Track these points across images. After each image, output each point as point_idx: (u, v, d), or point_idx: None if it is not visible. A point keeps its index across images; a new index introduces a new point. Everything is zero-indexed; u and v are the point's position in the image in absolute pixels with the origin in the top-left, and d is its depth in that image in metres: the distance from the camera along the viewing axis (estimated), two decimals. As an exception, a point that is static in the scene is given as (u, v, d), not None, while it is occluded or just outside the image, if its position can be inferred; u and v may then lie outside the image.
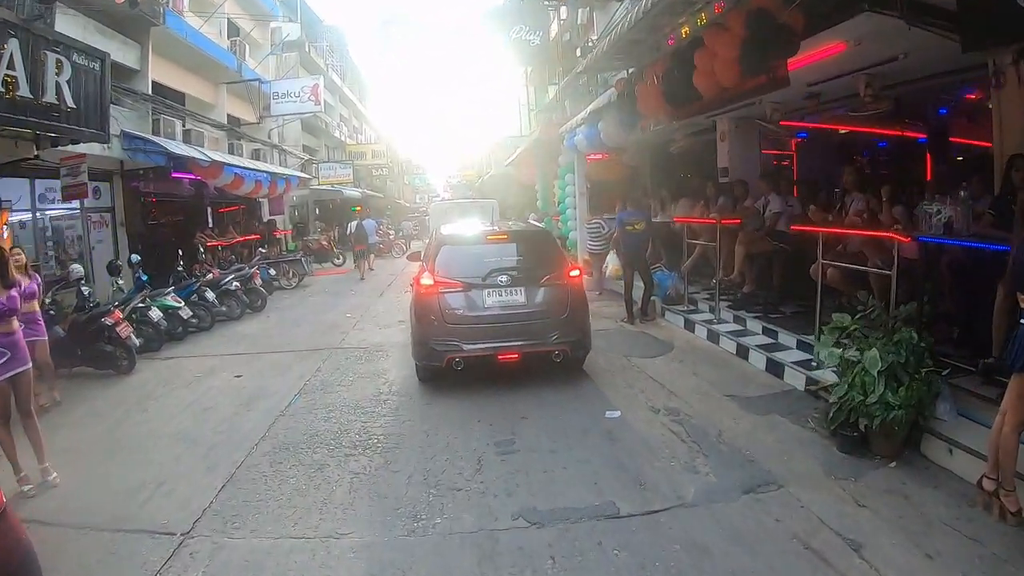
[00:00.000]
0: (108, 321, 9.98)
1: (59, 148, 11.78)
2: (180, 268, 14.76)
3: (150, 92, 17.22)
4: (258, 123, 24.58)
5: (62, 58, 10.35)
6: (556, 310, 8.32)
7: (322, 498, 5.66)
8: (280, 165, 27.39)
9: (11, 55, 9.19)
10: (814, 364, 8.09)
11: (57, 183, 12.59)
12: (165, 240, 18.46)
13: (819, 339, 7.41)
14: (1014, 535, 4.54)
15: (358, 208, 36.16)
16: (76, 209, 14.20)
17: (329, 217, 39.13)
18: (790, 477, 5.65)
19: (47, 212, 14.09)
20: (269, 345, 11.86)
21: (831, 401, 6.23)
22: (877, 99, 9.21)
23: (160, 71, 18.46)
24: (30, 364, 6.15)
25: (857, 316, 6.64)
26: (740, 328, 10.52)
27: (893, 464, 5.78)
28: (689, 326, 11.43)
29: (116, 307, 10.53)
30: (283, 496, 5.72)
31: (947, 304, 7.43)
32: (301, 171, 29.99)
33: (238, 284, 14.94)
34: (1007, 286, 5.34)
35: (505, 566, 4.53)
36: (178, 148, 15.63)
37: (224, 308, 14.51)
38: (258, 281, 16.04)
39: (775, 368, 8.67)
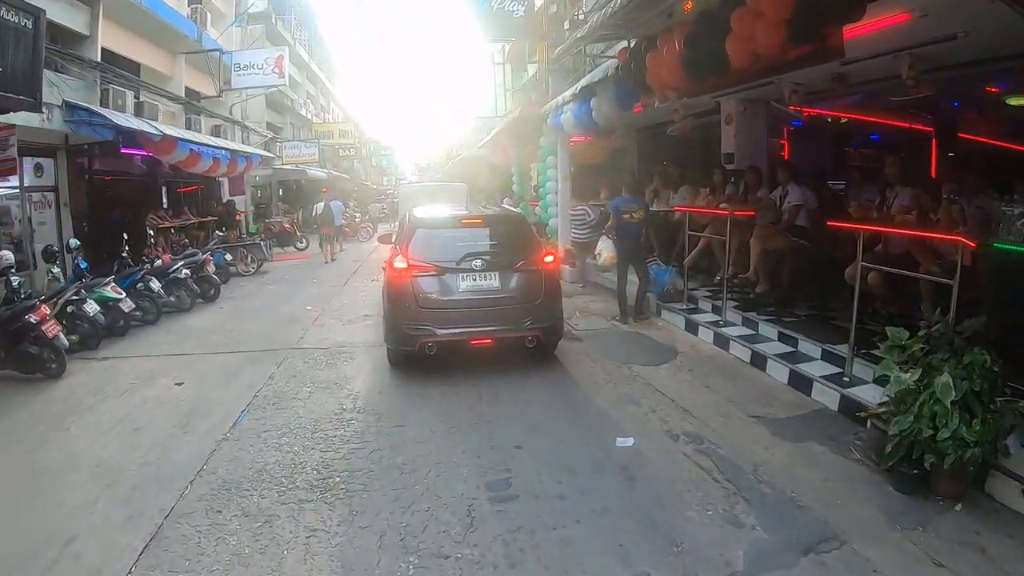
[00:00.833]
0: (33, 318, 8.64)
1: (-16, 118, 10.27)
2: (126, 254, 13.34)
3: (99, 60, 15.85)
4: (218, 97, 23.03)
5: (-19, 12, 8.90)
6: (530, 295, 8.30)
7: (269, 568, 4.39)
8: (242, 143, 25.79)
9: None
10: (846, 379, 7.24)
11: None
12: (115, 222, 16.86)
13: (853, 352, 7.02)
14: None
15: (324, 190, 34.92)
16: (16, 188, 12.76)
17: (293, 199, 37.64)
18: (851, 529, 4.70)
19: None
20: (219, 343, 10.50)
21: (890, 433, 5.20)
22: (919, 82, 8.18)
23: (112, 38, 17.07)
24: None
25: (920, 332, 5.62)
26: (751, 332, 9.48)
27: (959, 507, 4.94)
28: (691, 328, 10.35)
29: (43, 302, 9.17)
30: (220, 565, 4.44)
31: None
32: (264, 150, 28.30)
33: (188, 272, 13.56)
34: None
35: None
36: (127, 121, 14.19)
37: (173, 298, 13.22)
38: (211, 268, 14.63)
39: (800, 383, 7.69)
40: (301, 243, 26.53)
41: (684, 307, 11.03)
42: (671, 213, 12.61)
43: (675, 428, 6.63)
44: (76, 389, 8.33)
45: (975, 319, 5.46)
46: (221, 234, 19.72)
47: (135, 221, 17.17)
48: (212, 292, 14.42)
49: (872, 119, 13.34)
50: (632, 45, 9.29)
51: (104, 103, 15.35)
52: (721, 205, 10.47)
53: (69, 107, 13.41)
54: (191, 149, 17.17)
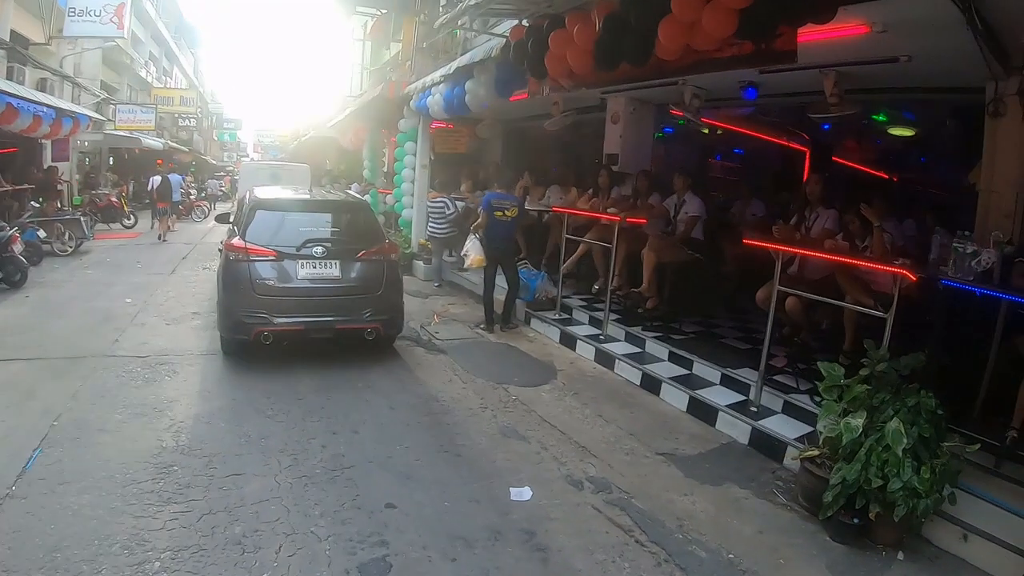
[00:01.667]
0: None
1: None
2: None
3: None
4: (47, 44, 20.27)
5: None
6: (371, 286, 8.15)
7: None
8: (71, 102, 23.08)
9: None
10: (754, 409, 6.77)
11: None
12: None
13: (763, 380, 6.68)
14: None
15: (159, 162, 32.73)
16: None
17: (124, 170, 34.33)
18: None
19: None
20: (15, 347, 8.49)
21: (832, 482, 4.74)
22: (841, 101, 7.74)
23: None
24: None
25: (862, 371, 5.16)
26: (637, 350, 8.76)
27: (901, 555, 4.69)
28: (568, 341, 9.52)
29: None
30: None
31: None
32: (96, 112, 25.79)
33: (-15, 254, 11.56)
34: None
35: None
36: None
37: (-33, 282, 11.30)
38: (17, 247, 12.45)
39: (702, 411, 7.09)
40: (129, 220, 24.08)
41: (557, 317, 10.21)
42: (544, 214, 11.72)
43: (576, 472, 5.69)
44: None
45: (912, 356, 5.06)
46: (37, 206, 17.51)
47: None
48: (17, 277, 12.28)
49: (755, 134, 13.03)
50: (530, 24, 8.23)
51: None
52: (610, 210, 9.57)
53: None
54: (8, 103, 15.08)
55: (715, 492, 5.45)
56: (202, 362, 8.08)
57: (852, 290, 6.52)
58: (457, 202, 13.24)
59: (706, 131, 12.81)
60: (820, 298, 6.55)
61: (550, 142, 15.12)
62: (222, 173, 51.22)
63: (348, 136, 22.19)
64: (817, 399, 5.73)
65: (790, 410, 6.63)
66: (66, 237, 16.72)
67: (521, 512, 4.96)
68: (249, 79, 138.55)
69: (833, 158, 13.35)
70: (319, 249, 7.91)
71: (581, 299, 10.66)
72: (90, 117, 22.16)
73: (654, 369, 7.97)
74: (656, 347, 8.53)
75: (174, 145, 38.43)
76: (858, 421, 4.79)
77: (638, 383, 7.97)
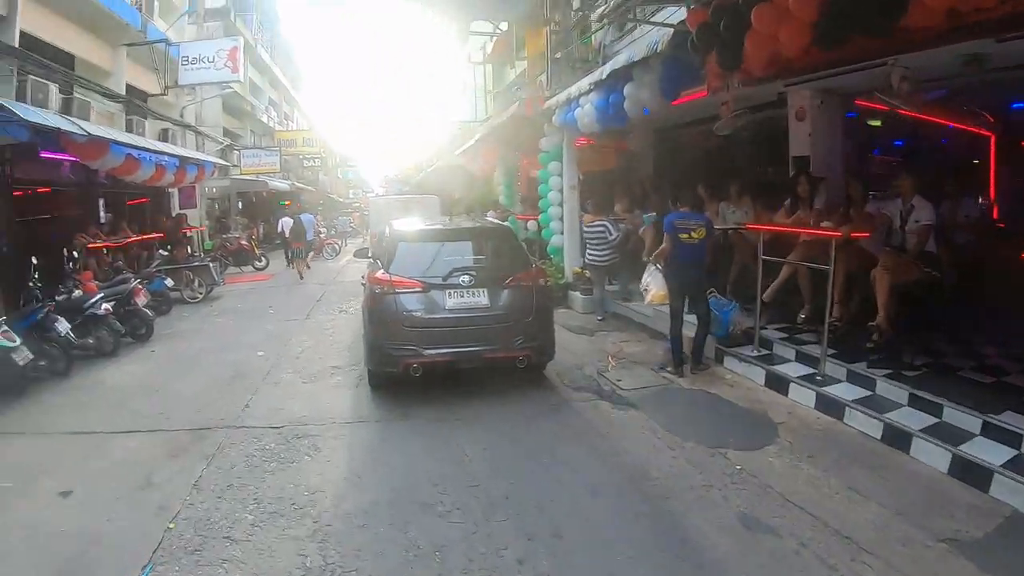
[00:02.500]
0: None
1: None
2: (33, 283, 10.68)
3: (16, 44, 13.20)
4: (163, 95, 20.03)
5: None
6: (521, 313, 7.81)
7: None
8: (195, 150, 23.09)
9: None
10: None
11: None
12: (43, 242, 14.18)
13: None
14: None
15: (287, 203, 32.62)
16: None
17: (253, 212, 34.67)
18: None
19: None
20: (135, 413, 7.67)
21: None
22: None
23: (37, 20, 14.56)
24: None
25: None
26: (866, 393, 6.99)
27: None
28: (776, 384, 7.77)
29: None
30: None
31: None
32: (220, 158, 25.62)
33: (108, 307, 10.78)
34: None
35: None
36: (39, 117, 11.45)
37: (91, 340, 10.55)
38: (141, 299, 11.86)
39: (971, 474, 5.43)
40: (260, 262, 23.89)
41: (756, 354, 8.48)
42: (727, 233, 10.08)
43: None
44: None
45: None
46: (165, 254, 17.02)
47: (63, 241, 14.52)
48: (143, 330, 11.70)
49: (945, 121, 11.06)
50: (715, 3, 6.71)
51: (21, 97, 12.76)
52: (824, 223, 7.90)
53: (-35, 100, 10.63)
54: (128, 154, 14.58)
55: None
56: (348, 434, 6.85)
57: None
58: (618, 225, 11.76)
59: (878, 123, 10.97)
60: None
61: (706, 150, 13.49)
62: (349, 210, 51.45)
63: (478, 162, 20.99)
64: None
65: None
66: (195, 284, 16.22)
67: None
68: (366, 115, 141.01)
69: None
70: (466, 278, 7.69)
71: (779, 330, 8.96)
72: (215, 163, 21.93)
73: (896, 419, 6.28)
74: (890, 388, 6.78)
75: (301, 185, 38.67)
76: None
77: (879, 437, 6.27)
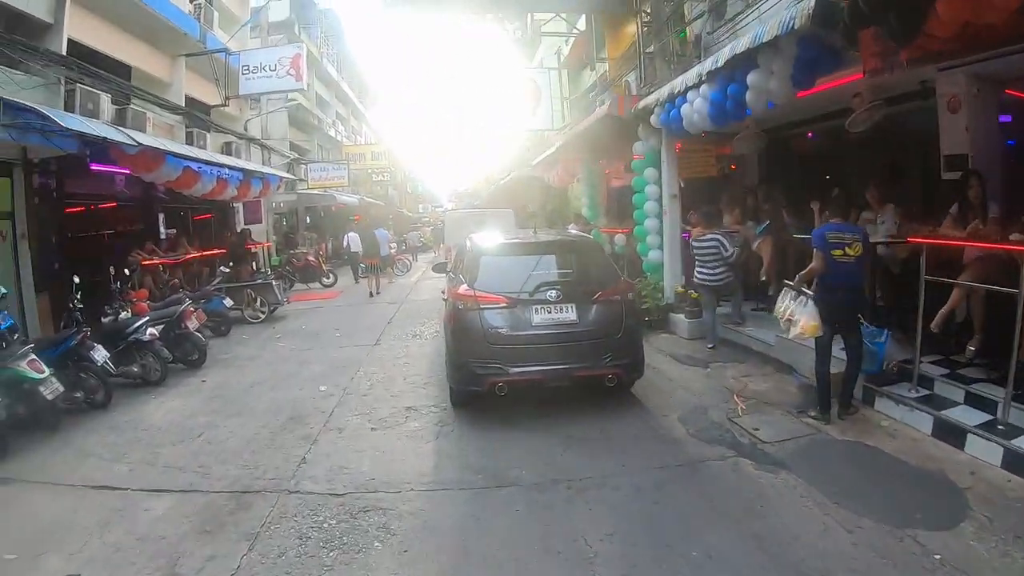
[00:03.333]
0: None
1: None
2: (73, 304, 9.69)
3: (64, 53, 12.47)
4: (224, 105, 19.18)
5: None
6: (610, 329, 7.44)
7: None
8: (261, 164, 22.44)
9: None
10: None
11: None
12: (98, 258, 13.41)
13: None
14: None
15: (356, 217, 31.80)
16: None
17: (322, 227, 33.98)
18: None
19: None
20: (170, 464, 6.47)
21: None
22: None
23: (91, 31, 13.97)
24: None
25: None
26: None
27: None
28: (948, 434, 6.11)
29: None
30: None
31: None
32: (287, 172, 24.83)
33: (154, 332, 9.69)
34: None
35: None
36: (83, 126, 10.47)
37: (135, 368, 9.53)
38: (192, 323, 10.68)
39: None
40: (328, 278, 22.88)
41: (914, 395, 6.84)
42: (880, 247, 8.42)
43: None
44: None
45: None
46: (227, 271, 16.00)
47: (117, 257, 13.64)
48: (195, 356, 10.60)
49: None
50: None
51: (70, 108, 12.01)
52: (1014, 236, 6.31)
53: (6, 107, 9.64)
54: (186, 166, 13.65)
55: None
56: (429, 507, 5.37)
57: None
58: (732, 239, 10.33)
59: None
60: None
61: (822, 152, 11.97)
62: (419, 224, 50.74)
63: (555, 173, 19.66)
64: None
65: None
66: (258, 304, 15.24)
67: None
68: (434, 129, 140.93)
69: None
70: (553, 293, 7.37)
71: (935, 364, 7.29)
72: (280, 177, 20.99)
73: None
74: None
75: (370, 200, 37.94)
76: None
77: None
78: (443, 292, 9.26)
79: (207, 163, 14.87)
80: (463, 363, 7.37)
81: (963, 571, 4.11)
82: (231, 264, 16.79)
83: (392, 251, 25.61)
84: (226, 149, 19.77)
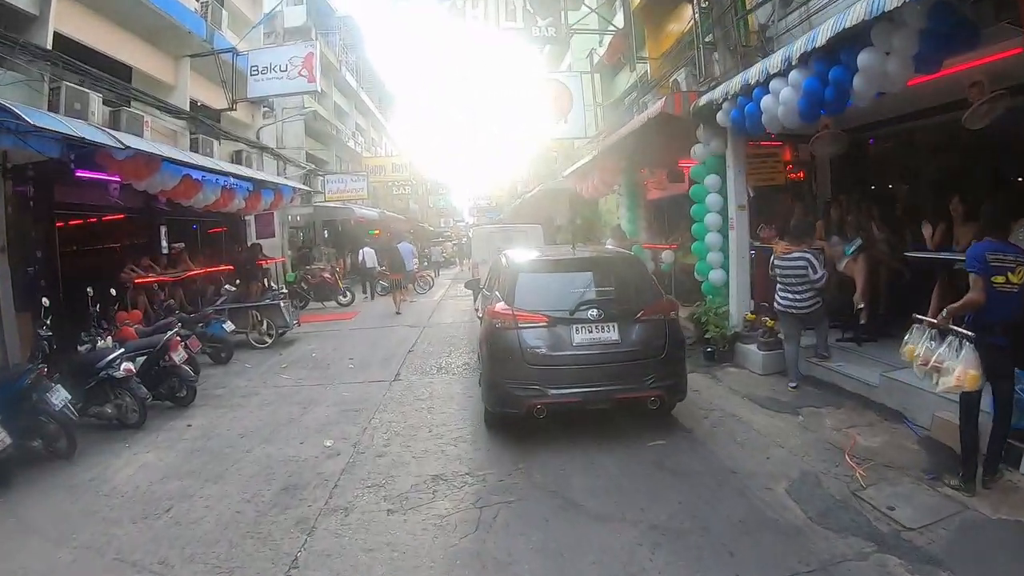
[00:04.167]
0: None
1: None
2: (43, 330, 8.34)
3: (49, 46, 11.18)
4: (231, 109, 17.66)
5: None
6: (653, 350, 7.05)
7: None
8: (277, 175, 21.20)
9: None
10: None
11: None
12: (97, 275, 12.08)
13: None
14: None
15: (376, 232, 30.49)
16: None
17: (341, 242, 32.60)
18: None
19: None
20: (119, 559, 4.85)
21: None
22: None
23: (83, 26, 12.80)
24: None
25: None
26: None
27: None
28: None
29: None
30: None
31: None
32: (303, 183, 23.45)
33: (130, 367, 8.12)
34: None
35: None
36: (64, 125, 9.03)
37: (109, 408, 8.07)
38: (178, 355, 9.05)
39: None
40: (344, 297, 21.31)
41: None
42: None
43: None
44: None
45: None
46: (233, 289, 14.51)
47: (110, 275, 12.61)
48: (183, 393, 9.03)
49: None
50: None
51: (54, 107, 10.73)
52: None
53: (-30, 104, 8.28)
54: (185, 174, 12.28)
55: None
56: None
57: None
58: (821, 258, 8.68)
59: None
60: None
61: (900, 158, 10.53)
62: (441, 239, 49.52)
63: (590, 183, 17.98)
64: None
65: None
66: (264, 327, 13.60)
67: None
68: (455, 141, 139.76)
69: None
70: (594, 311, 7.06)
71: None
72: (294, 188, 19.51)
73: None
74: None
75: (391, 214, 36.68)
76: None
77: None
78: (476, 309, 9.08)
79: (211, 171, 13.46)
80: (500, 384, 7.07)
81: None
82: (238, 281, 15.35)
83: (415, 267, 24.24)
84: (236, 158, 18.49)
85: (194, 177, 12.71)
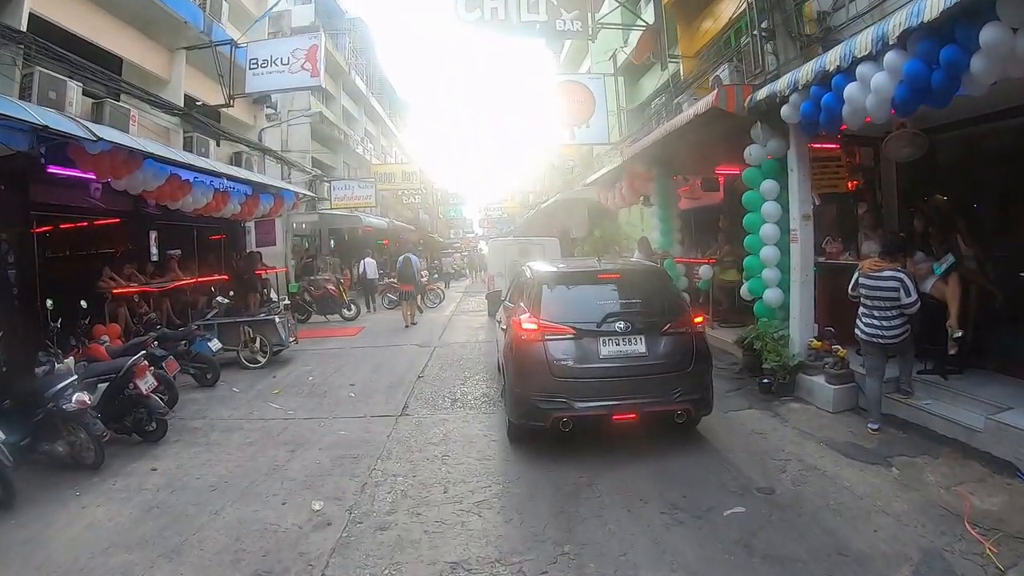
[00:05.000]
0: None
1: None
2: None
3: (23, 28, 10.05)
4: (228, 105, 16.10)
5: None
6: (680, 363, 6.95)
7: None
8: (282, 179, 20.12)
9: None
10: None
11: None
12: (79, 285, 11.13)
13: None
14: None
15: (385, 242, 29.33)
16: None
17: (347, 252, 31.35)
18: None
19: None
20: None
21: None
22: None
23: (62, 7, 11.71)
24: None
25: None
26: None
27: None
28: None
29: None
30: None
31: None
32: (308, 189, 22.41)
33: (84, 399, 6.67)
34: None
35: None
36: (25, 112, 7.77)
37: (60, 447, 6.75)
38: (144, 383, 7.57)
39: None
40: (349, 310, 19.95)
41: None
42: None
43: None
44: None
45: None
46: (225, 301, 13.18)
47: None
48: (152, 427, 7.65)
49: None
50: None
51: (26, 95, 9.68)
52: None
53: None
54: (172, 173, 11.14)
55: None
56: None
57: None
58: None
59: None
60: None
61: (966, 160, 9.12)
62: (451, 251, 48.52)
63: (617, 192, 16.59)
64: None
65: None
66: (256, 344, 12.15)
67: None
68: (465, 151, 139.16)
69: None
70: (622, 324, 6.92)
71: None
72: (296, 193, 18.16)
73: None
74: None
75: (400, 224, 35.49)
76: None
77: None
78: (499, 321, 9.11)
79: (202, 171, 12.19)
80: (525, 396, 6.95)
81: None
82: (232, 293, 14.06)
83: (425, 280, 23.04)
84: (235, 160, 17.28)
85: (183, 177, 11.55)
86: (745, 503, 5.46)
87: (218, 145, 16.33)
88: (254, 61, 15.63)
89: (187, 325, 11.93)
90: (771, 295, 9.39)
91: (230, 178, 13.51)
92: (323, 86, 18.43)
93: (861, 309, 7.29)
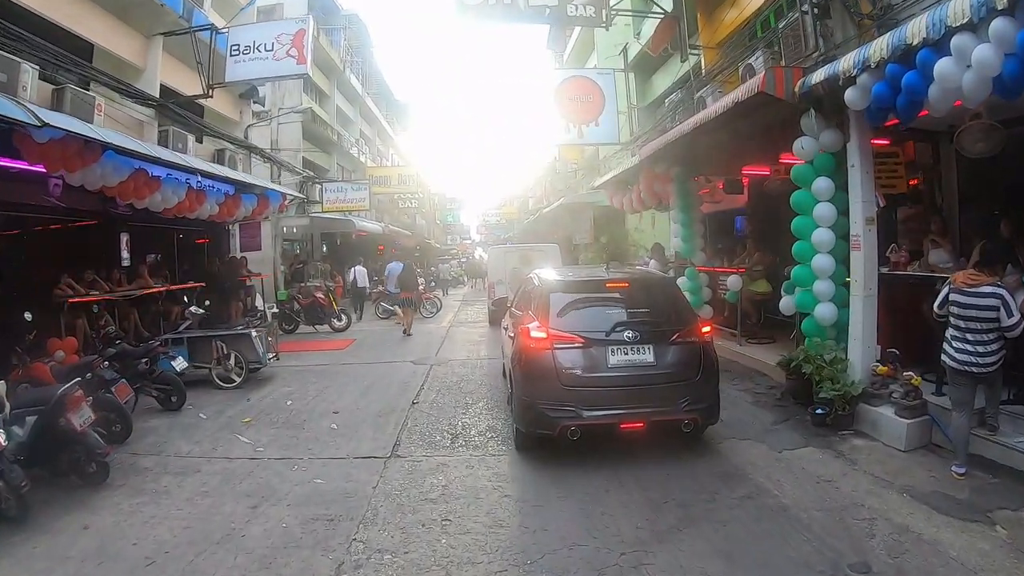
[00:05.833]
0: None
1: None
2: None
3: None
4: (207, 96, 14.78)
5: None
6: (688, 372, 7.01)
7: None
8: (271, 180, 19.03)
9: None
10: None
11: None
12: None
13: None
14: None
15: (380, 248, 28.73)
16: None
17: (340, 258, 29.92)
18: None
19: None
20: None
21: None
22: None
23: None
24: None
25: None
26: None
27: None
28: None
29: None
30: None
31: None
32: (299, 191, 21.33)
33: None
34: None
35: None
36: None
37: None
38: (77, 418, 6.18)
39: None
40: (339, 320, 18.66)
41: None
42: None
43: None
44: None
45: None
46: (199, 312, 11.92)
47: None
48: (91, 468, 6.31)
49: None
50: None
51: None
52: None
53: None
54: (137, 168, 9.98)
55: None
56: None
57: None
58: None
59: None
60: None
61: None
62: (448, 257, 47.60)
63: (633, 194, 15.26)
64: None
65: None
66: (231, 362, 10.80)
67: None
68: (463, 156, 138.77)
69: None
70: (630, 333, 6.89)
71: None
72: (283, 194, 16.90)
73: None
74: None
75: (396, 229, 34.38)
76: None
77: None
78: (505, 328, 9.23)
79: (174, 167, 10.96)
80: (533, 405, 6.94)
81: None
82: (208, 302, 12.84)
83: (422, 288, 21.85)
84: (218, 157, 15.93)
85: (152, 173, 10.40)
86: (839, 583, 4.20)
87: (199, 141, 15.13)
88: (235, 47, 14.32)
89: (153, 339, 10.65)
90: (823, 311, 8.16)
91: (206, 175, 12.23)
92: (310, 75, 17.41)
93: (950, 331, 6.07)
